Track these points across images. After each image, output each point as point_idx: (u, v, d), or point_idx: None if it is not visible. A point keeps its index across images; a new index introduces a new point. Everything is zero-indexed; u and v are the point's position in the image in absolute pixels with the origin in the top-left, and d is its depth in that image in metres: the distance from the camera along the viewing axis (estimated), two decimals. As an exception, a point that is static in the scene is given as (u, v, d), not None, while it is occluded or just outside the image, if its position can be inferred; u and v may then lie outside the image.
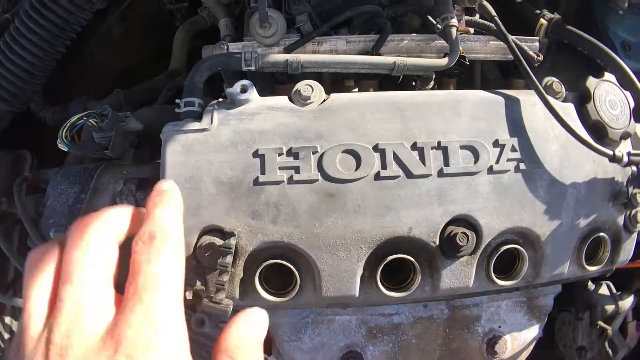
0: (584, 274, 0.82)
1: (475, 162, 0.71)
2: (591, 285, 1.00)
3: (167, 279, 0.40)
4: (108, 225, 0.43)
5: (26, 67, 0.90)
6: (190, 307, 0.82)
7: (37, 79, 0.95)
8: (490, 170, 0.71)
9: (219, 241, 0.67)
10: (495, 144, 0.73)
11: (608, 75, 0.84)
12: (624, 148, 0.80)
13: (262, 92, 0.73)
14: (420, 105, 0.73)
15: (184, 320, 0.41)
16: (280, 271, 0.71)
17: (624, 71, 0.85)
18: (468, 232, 0.70)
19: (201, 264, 0.68)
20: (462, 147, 0.71)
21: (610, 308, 0.99)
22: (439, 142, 0.71)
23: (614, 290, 1.00)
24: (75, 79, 1.04)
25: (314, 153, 0.69)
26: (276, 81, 0.84)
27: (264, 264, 0.69)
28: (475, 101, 0.74)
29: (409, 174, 0.70)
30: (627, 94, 0.84)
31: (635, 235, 0.83)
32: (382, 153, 0.69)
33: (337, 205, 0.69)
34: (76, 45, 0.95)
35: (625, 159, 0.76)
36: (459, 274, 0.73)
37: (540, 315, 0.91)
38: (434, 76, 0.82)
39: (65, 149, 0.74)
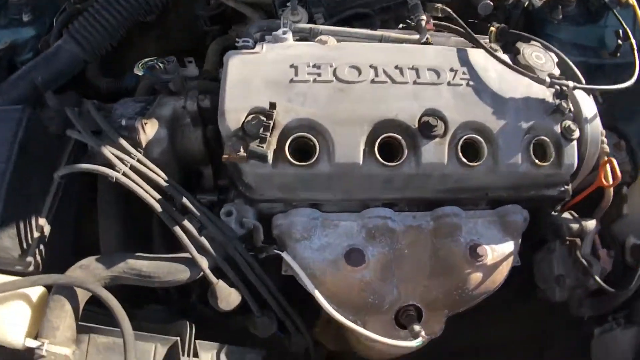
0: (537, 170, 1.06)
1: (438, 78, 1.05)
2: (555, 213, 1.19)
3: None
4: None
5: (108, 27, 1.26)
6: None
7: (110, 39, 1.29)
8: (449, 84, 1.05)
9: (262, 117, 0.96)
10: (451, 70, 1.07)
11: (534, 42, 1.21)
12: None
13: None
14: (398, 48, 1.10)
15: None
16: (302, 152, 0.98)
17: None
18: (438, 119, 1.00)
19: (246, 134, 0.96)
20: (428, 70, 1.06)
21: (575, 226, 1.13)
22: (412, 65, 1.06)
23: (576, 215, 1.16)
24: (121, 59, 1.40)
25: (330, 66, 1.03)
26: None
27: (294, 135, 0.97)
28: (436, 49, 1.13)
29: (393, 81, 1.03)
30: (552, 54, 1.18)
31: (574, 143, 1.09)
32: (375, 69, 1.04)
33: (346, 96, 1.00)
34: (127, 33, 1.33)
35: (548, 80, 1.09)
36: (436, 152, 1.00)
37: (513, 232, 1.11)
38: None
39: (140, 74, 1.11)
